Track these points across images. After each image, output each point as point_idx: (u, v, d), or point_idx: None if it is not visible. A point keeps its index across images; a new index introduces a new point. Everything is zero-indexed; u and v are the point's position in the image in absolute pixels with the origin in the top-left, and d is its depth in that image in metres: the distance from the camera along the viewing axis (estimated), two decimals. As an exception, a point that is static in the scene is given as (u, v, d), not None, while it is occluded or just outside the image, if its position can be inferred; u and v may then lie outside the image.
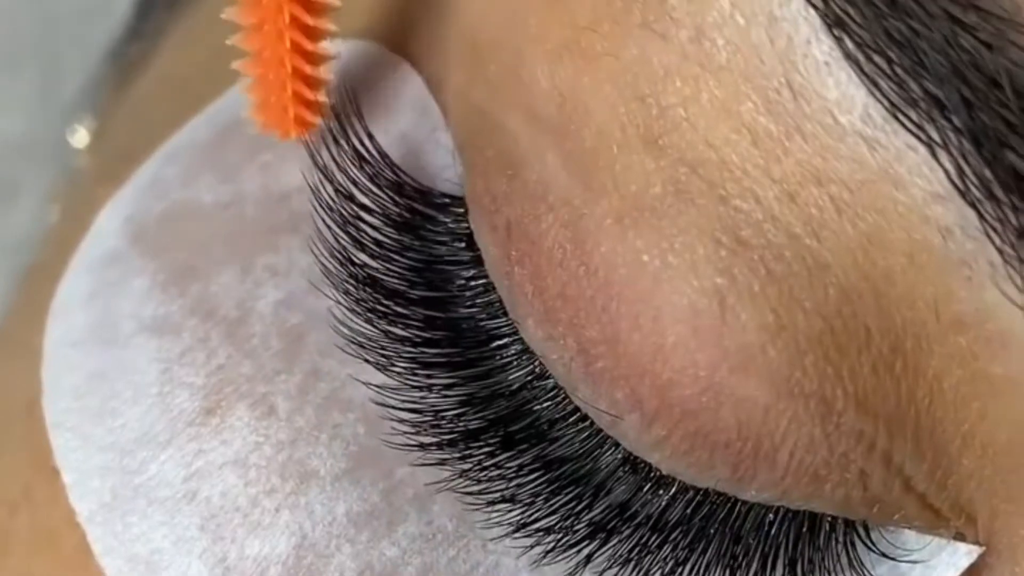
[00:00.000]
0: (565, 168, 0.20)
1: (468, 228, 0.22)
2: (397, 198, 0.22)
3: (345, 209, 0.22)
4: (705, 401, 0.20)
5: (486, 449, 0.22)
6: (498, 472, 0.22)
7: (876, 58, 0.18)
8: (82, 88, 0.34)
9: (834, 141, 0.18)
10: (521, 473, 0.22)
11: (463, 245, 0.22)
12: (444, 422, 0.22)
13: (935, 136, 0.18)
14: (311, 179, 0.22)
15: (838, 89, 0.18)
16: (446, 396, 0.22)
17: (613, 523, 0.22)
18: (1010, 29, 0.17)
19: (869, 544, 0.21)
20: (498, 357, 0.22)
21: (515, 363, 0.22)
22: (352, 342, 0.22)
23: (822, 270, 0.19)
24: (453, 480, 0.22)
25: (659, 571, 0.21)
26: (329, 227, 0.22)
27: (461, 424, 0.22)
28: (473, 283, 0.22)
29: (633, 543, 0.21)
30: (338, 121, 0.22)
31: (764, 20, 0.19)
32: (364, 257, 0.22)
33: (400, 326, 0.22)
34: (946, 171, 0.18)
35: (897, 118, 0.18)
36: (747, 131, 0.19)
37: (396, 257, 0.22)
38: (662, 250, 0.19)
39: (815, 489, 0.20)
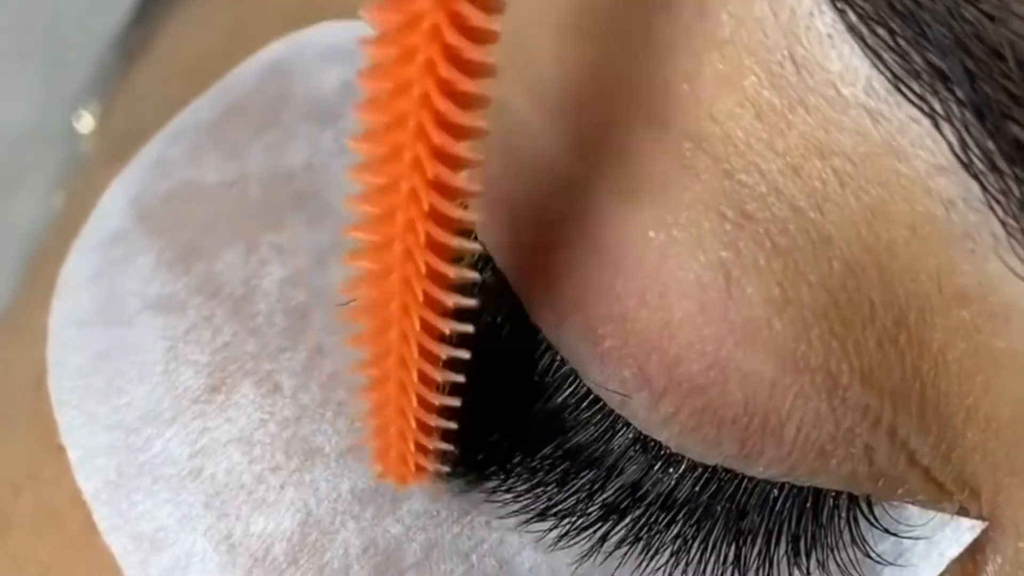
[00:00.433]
0: (569, 145, 0.20)
1: None
2: None
3: None
4: (712, 376, 0.20)
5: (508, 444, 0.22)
6: (524, 466, 0.22)
7: (879, 30, 0.18)
8: (87, 75, 0.34)
9: (837, 114, 0.18)
10: (545, 464, 0.22)
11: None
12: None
13: (938, 108, 0.18)
14: None
15: (841, 61, 0.18)
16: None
17: (625, 503, 0.22)
18: (1013, 0, 0.17)
19: (872, 520, 0.21)
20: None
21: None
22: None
23: (826, 243, 0.19)
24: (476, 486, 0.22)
25: (668, 549, 0.21)
26: None
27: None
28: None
29: (643, 522, 0.21)
30: None
31: None
32: None
33: None
34: (949, 143, 0.18)
35: (900, 90, 0.18)
36: (751, 105, 0.19)
37: None
38: (667, 225, 0.19)
39: (821, 464, 0.20)
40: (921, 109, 0.18)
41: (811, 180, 0.19)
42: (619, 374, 0.20)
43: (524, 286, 0.21)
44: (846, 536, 0.21)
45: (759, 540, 0.21)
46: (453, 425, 0.20)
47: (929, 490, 0.20)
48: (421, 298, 0.19)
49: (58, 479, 0.23)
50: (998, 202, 0.18)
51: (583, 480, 0.22)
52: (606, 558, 0.22)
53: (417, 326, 0.19)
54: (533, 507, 0.22)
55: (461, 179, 0.18)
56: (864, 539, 0.21)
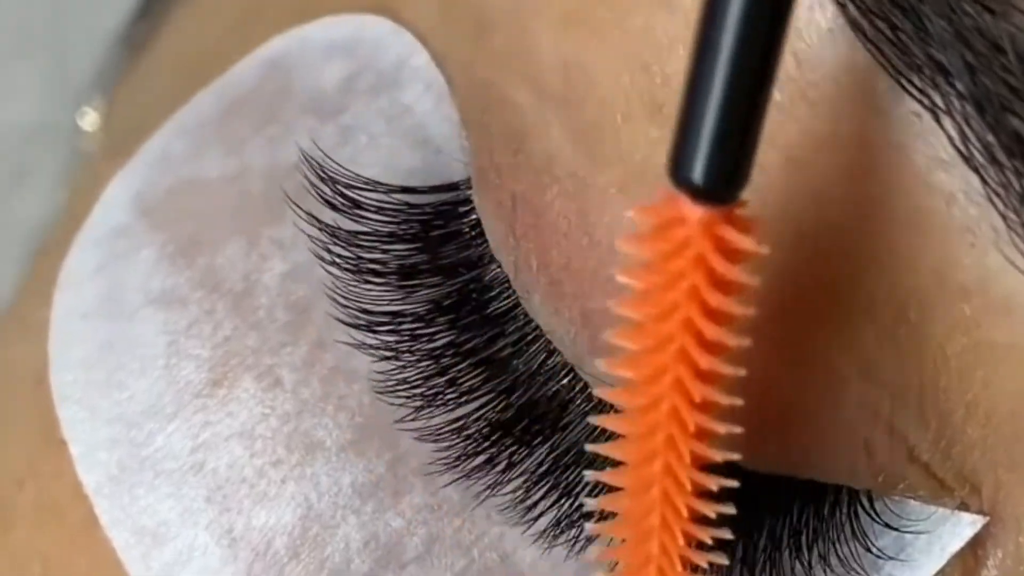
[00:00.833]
0: (570, 139, 0.20)
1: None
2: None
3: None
4: None
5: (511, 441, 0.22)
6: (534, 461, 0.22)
7: (879, 24, 0.18)
8: (91, 71, 0.34)
9: (837, 108, 0.18)
10: (556, 461, 0.22)
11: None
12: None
13: (939, 102, 0.18)
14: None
15: (842, 56, 0.18)
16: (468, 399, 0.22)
17: None
18: None
19: (873, 515, 0.21)
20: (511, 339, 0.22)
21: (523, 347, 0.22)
22: (353, 325, 0.22)
23: (825, 236, 0.19)
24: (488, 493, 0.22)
25: None
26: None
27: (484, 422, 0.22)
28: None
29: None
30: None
31: None
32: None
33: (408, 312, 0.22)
34: (949, 137, 0.18)
35: (901, 84, 0.18)
36: None
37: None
38: None
39: (821, 458, 0.20)
40: (922, 103, 0.18)
41: (811, 174, 0.19)
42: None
43: (523, 281, 0.21)
44: (847, 530, 0.21)
45: (764, 535, 0.21)
46: None
47: (930, 486, 0.20)
48: (681, 541, 0.19)
49: (60, 473, 0.23)
50: (998, 195, 0.18)
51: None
52: None
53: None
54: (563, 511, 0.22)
55: (723, 398, 0.19)
56: (865, 533, 0.21)
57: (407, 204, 0.22)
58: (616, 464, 0.19)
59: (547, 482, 0.22)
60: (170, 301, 0.23)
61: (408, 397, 0.22)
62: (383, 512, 0.22)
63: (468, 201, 0.22)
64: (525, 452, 0.22)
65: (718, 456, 0.19)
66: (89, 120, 0.33)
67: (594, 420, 0.19)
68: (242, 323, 0.22)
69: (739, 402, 0.18)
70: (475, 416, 0.22)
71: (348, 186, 0.22)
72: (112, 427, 0.23)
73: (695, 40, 0.17)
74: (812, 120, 0.19)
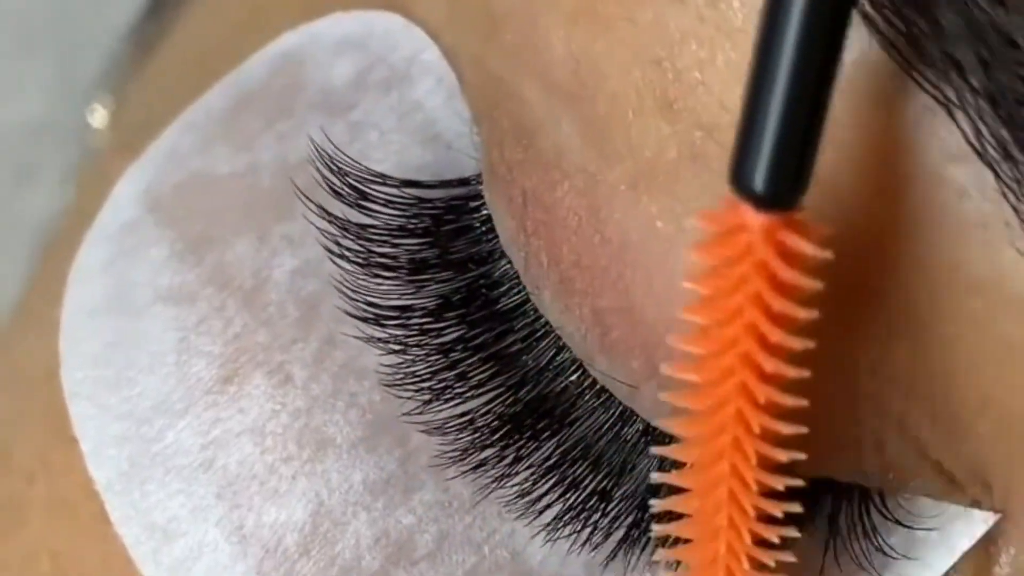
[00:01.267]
0: (580, 135, 0.20)
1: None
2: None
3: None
4: None
5: (530, 435, 0.22)
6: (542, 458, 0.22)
7: (892, 18, 0.18)
8: (100, 68, 0.34)
9: (850, 103, 0.18)
10: (565, 457, 0.22)
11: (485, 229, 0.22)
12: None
13: (952, 97, 0.18)
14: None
15: (855, 51, 0.18)
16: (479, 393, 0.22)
17: (641, 497, 0.22)
18: None
19: (884, 512, 0.21)
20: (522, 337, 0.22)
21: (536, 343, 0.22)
22: (362, 318, 0.22)
23: (837, 232, 0.19)
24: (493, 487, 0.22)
25: None
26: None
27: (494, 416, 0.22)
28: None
29: (659, 514, 0.21)
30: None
31: None
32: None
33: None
34: (963, 132, 0.18)
35: (914, 79, 0.18)
36: None
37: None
38: (676, 215, 0.19)
39: (831, 455, 0.20)
40: (935, 98, 0.18)
41: (823, 169, 0.19)
42: (627, 364, 0.20)
43: (533, 277, 0.21)
44: (858, 528, 0.21)
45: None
46: None
47: (941, 483, 0.20)
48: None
49: (70, 469, 0.23)
50: (1011, 190, 0.18)
51: (601, 475, 0.22)
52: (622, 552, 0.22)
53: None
54: (568, 507, 0.22)
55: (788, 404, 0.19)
56: (876, 531, 0.21)
57: (418, 198, 0.22)
58: (680, 466, 0.20)
59: (554, 475, 0.22)
60: (180, 298, 0.23)
61: (417, 391, 0.22)
62: (394, 509, 0.22)
63: (479, 196, 0.22)
64: (533, 446, 0.22)
65: (783, 456, 0.19)
66: (98, 117, 0.33)
67: (660, 423, 0.20)
68: (252, 319, 0.22)
69: (804, 403, 0.18)
70: (483, 410, 0.22)
71: (359, 179, 0.22)
72: (122, 423, 0.23)
73: (754, 51, 0.17)
74: None
